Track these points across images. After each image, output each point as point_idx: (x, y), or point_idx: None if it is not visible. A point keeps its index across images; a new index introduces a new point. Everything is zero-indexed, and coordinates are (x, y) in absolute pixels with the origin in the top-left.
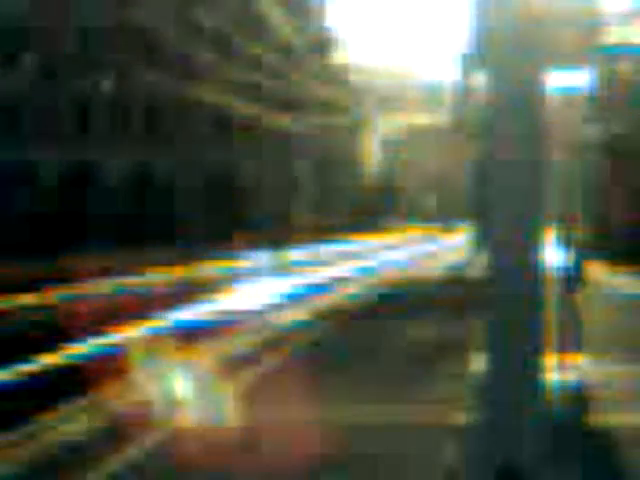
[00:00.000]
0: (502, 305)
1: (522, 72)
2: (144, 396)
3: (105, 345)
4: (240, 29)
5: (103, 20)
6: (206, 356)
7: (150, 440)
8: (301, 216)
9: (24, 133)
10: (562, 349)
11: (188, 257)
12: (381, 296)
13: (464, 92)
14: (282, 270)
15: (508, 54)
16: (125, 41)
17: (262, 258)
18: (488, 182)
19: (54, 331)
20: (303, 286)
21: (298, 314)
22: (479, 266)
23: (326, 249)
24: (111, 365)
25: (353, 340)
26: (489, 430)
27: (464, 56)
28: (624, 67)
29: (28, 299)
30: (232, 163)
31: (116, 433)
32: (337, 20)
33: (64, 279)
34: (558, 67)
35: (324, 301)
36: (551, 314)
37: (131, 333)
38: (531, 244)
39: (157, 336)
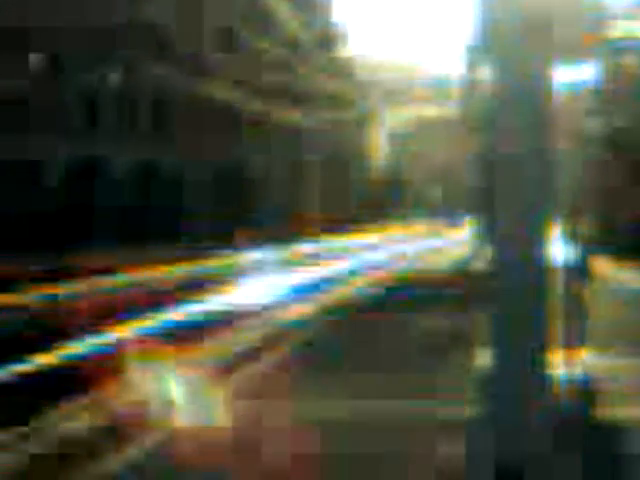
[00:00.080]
0: (507, 299)
1: (527, 65)
2: (140, 396)
3: (103, 344)
4: (247, 24)
5: (112, 16)
6: (206, 354)
7: (147, 440)
8: (309, 210)
9: (31, 127)
10: (567, 343)
11: (194, 252)
12: (387, 290)
13: (469, 85)
14: (288, 265)
15: (513, 47)
16: (134, 36)
17: (267, 253)
18: (492, 175)
19: (52, 329)
20: (309, 281)
21: (303, 309)
22: (484, 260)
23: (332, 243)
24: (108, 364)
25: (355, 335)
26: (494, 424)
27: (469, 48)
28: (629, 61)
29: (27, 296)
30: (240, 158)
31: (113, 433)
32: (343, 14)
33: (69, 276)
34: (563, 60)
35: (330, 296)
36: (556, 308)
37: (130, 331)
38: (536, 238)
39: (156, 334)
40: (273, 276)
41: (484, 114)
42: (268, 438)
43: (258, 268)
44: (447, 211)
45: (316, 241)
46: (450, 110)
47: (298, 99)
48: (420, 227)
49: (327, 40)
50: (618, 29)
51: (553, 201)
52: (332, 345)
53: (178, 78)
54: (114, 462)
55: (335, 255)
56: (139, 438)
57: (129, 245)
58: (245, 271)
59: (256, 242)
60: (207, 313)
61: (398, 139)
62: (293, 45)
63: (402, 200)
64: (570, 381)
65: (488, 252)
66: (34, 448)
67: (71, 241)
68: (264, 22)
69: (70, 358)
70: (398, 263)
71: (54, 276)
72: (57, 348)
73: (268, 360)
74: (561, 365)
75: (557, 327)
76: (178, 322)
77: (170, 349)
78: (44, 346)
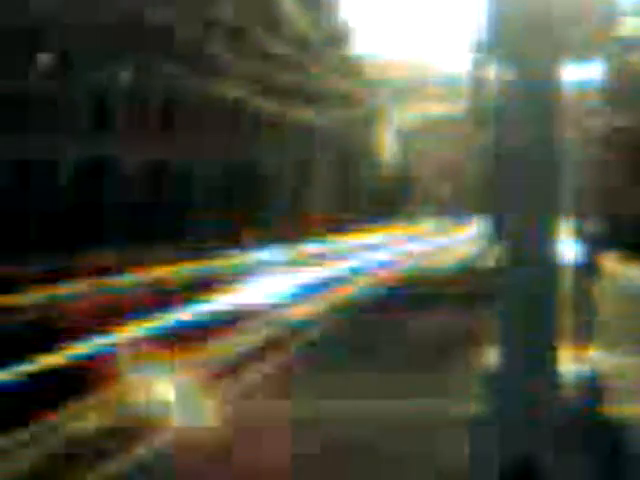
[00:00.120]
0: (515, 297)
1: (535, 63)
2: (140, 397)
3: (108, 344)
4: (258, 23)
5: (123, 15)
6: (210, 354)
7: (150, 441)
8: (318, 209)
9: (42, 126)
10: (576, 341)
11: (202, 252)
12: (394, 289)
13: (476, 83)
14: (295, 265)
15: (521, 45)
16: (145, 35)
17: (274, 253)
18: (500, 173)
19: (57, 330)
20: (316, 280)
21: (309, 309)
22: (491, 258)
23: (339, 243)
24: (112, 365)
25: (361, 335)
26: (501, 422)
27: (477, 46)
28: (636, 59)
29: (34, 297)
30: (249, 157)
31: (117, 433)
32: (353, 12)
33: (76, 275)
34: (572, 58)
35: (336, 295)
36: (565, 306)
37: (136, 332)
38: (545, 236)
39: (162, 334)
40: (279, 276)
41: (491, 112)
42: (270, 438)
43: (264, 268)
44: (455, 209)
45: (324, 240)
46: (460, 108)
47: (307, 98)
48: (428, 225)
49: (336, 39)
50: (627, 26)
51: (562, 199)
52: (336, 345)
53: (188, 77)
54: (118, 463)
55: (342, 254)
56: (141, 438)
57: (138, 244)
58: (251, 271)
59: (263, 242)
60: (213, 313)
61: (407, 137)
62: (303, 44)
63: (411, 197)
64: (578, 379)
65: (496, 250)
66: (38, 449)
67: (80, 240)
68: (274, 21)
69: (75, 358)
70: (406, 261)
71: (61, 276)
72: (62, 348)
73: (272, 360)
74: (569, 363)
75: (565, 325)
76: (184, 322)
77: (175, 349)
78: (49, 346)
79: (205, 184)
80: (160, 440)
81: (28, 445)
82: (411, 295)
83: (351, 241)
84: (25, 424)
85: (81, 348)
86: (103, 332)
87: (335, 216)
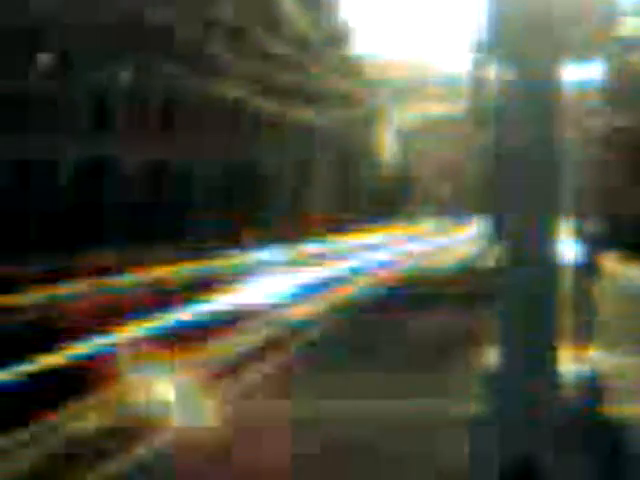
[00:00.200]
0: (516, 297)
1: (536, 63)
2: (139, 397)
3: (107, 344)
4: (257, 22)
5: (123, 15)
6: (210, 354)
7: (150, 441)
8: (318, 209)
9: (42, 126)
10: (576, 341)
11: (202, 252)
12: (394, 289)
13: (477, 82)
14: (296, 264)
15: (522, 44)
16: (145, 35)
17: (275, 252)
18: (500, 173)
19: (56, 330)
20: (316, 280)
21: (308, 309)
22: (491, 258)
23: (339, 243)
24: (112, 365)
25: (360, 335)
26: (500, 422)
27: (476, 46)
28: (636, 59)
29: (34, 297)
30: (250, 157)
31: (117, 433)
32: (352, 12)
33: (76, 275)
34: (572, 58)
35: (336, 295)
36: (565, 306)
37: (136, 332)
38: (545, 236)
39: (162, 334)
40: (279, 276)
41: (491, 112)
42: (269, 438)
43: (264, 268)
44: (455, 209)
45: (323, 240)
46: (459, 108)
47: (307, 98)
48: (428, 225)
49: (336, 39)
50: (627, 26)
51: (562, 199)
52: (336, 345)
53: (189, 77)
54: (118, 463)
55: (342, 254)
56: (141, 438)
57: (138, 244)
58: (251, 271)
59: (263, 241)
60: (213, 313)
61: (407, 137)
62: (303, 44)
63: (411, 198)
64: (578, 379)
65: (496, 250)
66: (39, 449)
67: (80, 240)
68: (274, 21)
69: (75, 358)
70: (406, 262)
71: (61, 275)
72: (62, 348)
73: (272, 360)
74: (569, 363)
75: (565, 325)
76: (184, 322)
77: (175, 349)
78: (49, 347)
79: (205, 184)
80: (160, 440)
81: (28, 445)
82: (411, 295)
83: (351, 241)
84: (25, 424)
85: (81, 348)
86: (103, 332)
87: (335, 216)
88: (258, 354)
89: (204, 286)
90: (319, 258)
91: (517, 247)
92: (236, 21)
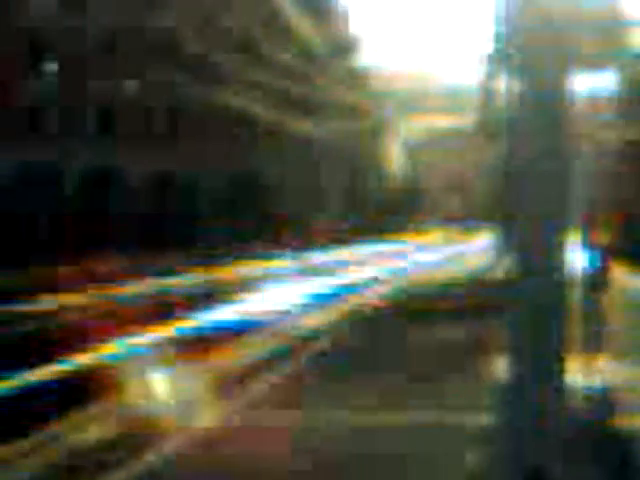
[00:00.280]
0: (525, 307)
1: (547, 73)
2: (143, 400)
3: (112, 353)
4: (263, 33)
5: (129, 22)
6: (217, 364)
7: (157, 448)
8: (325, 219)
9: (48, 133)
10: (585, 351)
11: (211, 259)
12: (403, 300)
13: (487, 94)
14: (305, 274)
15: (532, 55)
16: (151, 44)
17: (282, 262)
18: (510, 183)
19: (58, 338)
20: (325, 290)
21: (320, 318)
22: (502, 268)
23: (348, 253)
24: (113, 374)
25: (370, 346)
26: (512, 433)
27: (487, 57)
28: None
29: (41, 303)
30: (255, 167)
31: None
32: (358, 24)
33: (85, 282)
34: (584, 68)
35: (346, 305)
36: (575, 316)
37: (142, 339)
38: (555, 246)
39: (172, 341)
40: (287, 285)
41: (502, 123)
42: (277, 447)
43: (272, 277)
44: (464, 220)
45: (331, 250)
46: (465, 119)
47: (314, 109)
48: (437, 236)
49: (342, 49)
50: (638, 37)
51: (571, 209)
52: (347, 355)
53: (193, 86)
54: (121, 471)
55: (350, 264)
56: (146, 444)
57: (144, 253)
58: (260, 280)
59: (271, 251)
60: (219, 322)
61: (413, 148)
62: (309, 55)
63: (418, 209)
64: (587, 389)
65: (507, 260)
66: (44, 459)
67: (85, 249)
68: (280, 31)
69: (78, 367)
70: (416, 271)
71: (66, 284)
72: (65, 356)
73: (282, 369)
74: (578, 373)
75: (575, 335)
76: (192, 330)
77: (182, 357)
78: (52, 354)
79: (211, 194)
80: (165, 446)
81: (28, 455)
82: (419, 305)
83: (359, 251)
84: (25, 434)
85: (85, 356)
86: (108, 340)
87: (342, 226)
88: (267, 363)
89: (212, 295)
90: (327, 268)
91: (527, 257)
92: (242, 31)
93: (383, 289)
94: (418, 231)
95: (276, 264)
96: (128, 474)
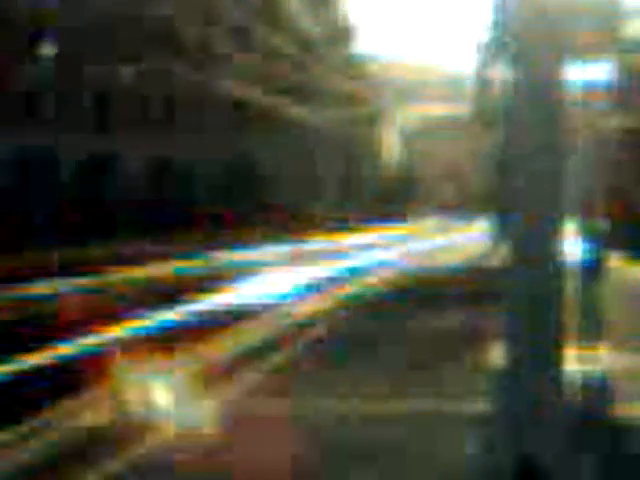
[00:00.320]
0: (522, 296)
1: (543, 62)
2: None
3: (102, 343)
4: (259, 19)
5: (126, 11)
6: (209, 353)
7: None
8: (322, 207)
9: (45, 119)
10: (583, 340)
11: (206, 248)
12: (397, 288)
13: (483, 82)
14: (298, 262)
15: (529, 45)
16: (148, 32)
17: (277, 250)
18: (506, 172)
19: (51, 327)
20: (319, 278)
21: (314, 306)
22: (497, 257)
23: (344, 241)
24: (106, 364)
25: (365, 334)
26: (508, 422)
27: (483, 46)
28: None
29: (38, 289)
30: (252, 154)
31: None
32: (357, 13)
33: (84, 268)
34: (580, 58)
35: (341, 293)
36: (572, 305)
37: (125, 331)
38: (551, 235)
39: (155, 333)
40: (281, 273)
41: (498, 112)
42: (272, 437)
43: (266, 265)
44: (459, 209)
45: (327, 238)
46: (462, 108)
47: (310, 96)
48: (431, 224)
49: (340, 38)
50: (634, 27)
51: (567, 198)
52: (342, 342)
53: (190, 73)
54: (113, 465)
55: (345, 253)
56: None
57: (138, 241)
58: (253, 268)
59: (265, 239)
60: (213, 311)
61: (409, 137)
62: (306, 43)
63: (414, 197)
64: (584, 378)
65: (502, 249)
66: (34, 448)
67: (81, 237)
68: (277, 19)
69: (70, 357)
70: (411, 260)
71: (60, 271)
72: (57, 345)
73: (276, 358)
74: (576, 362)
75: (572, 324)
76: (184, 320)
77: (174, 348)
78: (45, 343)
79: (207, 181)
80: (157, 441)
81: (19, 445)
82: (416, 294)
83: (353, 240)
84: (18, 422)
85: (77, 346)
86: (100, 329)
87: (337, 215)
88: (260, 352)
89: (204, 283)
90: (322, 256)
91: (523, 246)
92: (239, 19)
93: (382, 275)
94: (412, 221)
95: (269, 251)
96: (123, 462)
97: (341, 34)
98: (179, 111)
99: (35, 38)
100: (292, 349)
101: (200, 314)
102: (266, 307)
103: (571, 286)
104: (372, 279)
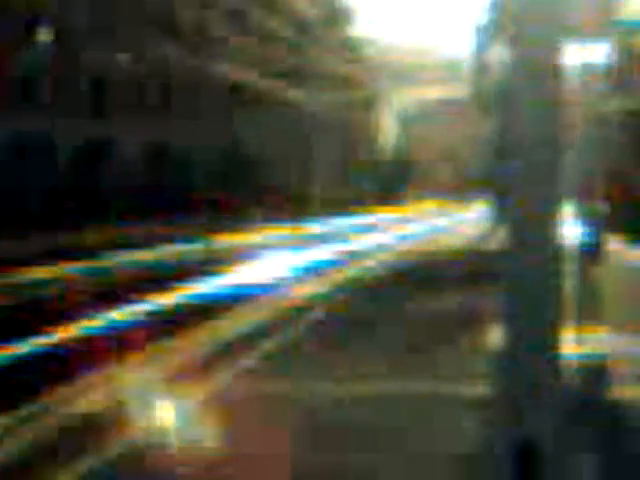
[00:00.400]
0: (520, 278)
1: (542, 44)
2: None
3: (101, 327)
4: (255, 2)
5: None
6: (210, 335)
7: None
8: (319, 191)
9: (42, 104)
10: (582, 322)
11: (206, 229)
12: (399, 268)
13: (481, 65)
14: (298, 244)
15: (527, 26)
16: (143, 16)
17: (276, 233)
18: (504, 155)
19: (51, 310)
20: (320, 259)
21: (316, 286)
22: (497, 239)
23: (343, 222)
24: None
25: (363, 317)
26: (507, 404)
27: (480, 29)
28: None
29: (41, 272)
30: (248, 138)
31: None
32: None
33: (84, 252)
34: (577, 39)
35: (340, 275)
36: (570, 287)
37: (128, 314)
38: (550, 216)
39: (156, 317)
40: (281, 256)
41: (495, 95)
42: (269, 419)
43: (266, 248)
44: (456, 191)
45: (323, 221)
46: (460, 91)
47: (307, 79)
48: (429, 207)
49: (336, 20)
50: (632, 8)
51: (568, 180)
52: (342, 324)
53: (186, 57)
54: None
55: (343, 235)
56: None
57: (135, 225)
58: (254, 250)
59: (264, 222)
60: (215, 293)
61: (406, 120)
62: (302, 25)
63: (411, 180)
64: (584, 360)
65: (501, 231)
66: (38, 430)
67: (78, 221)
68: (273, 1)
69: (71, 339)
70: (408, 243)
71: (60, 256)
72: (57, 329)
73: (276, 340)
74: (575, 344)
75: (571, 305)
76: (184, 301)
77: (175, 328)
78: (45, 325)
79: (204, 166)
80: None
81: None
82: (416, 275)
83: (351, 222)
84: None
85: (77, 328)
86: (98, 314)
87: (335, 197)
88: (261, 333)
89: (205, 266)
90: (321, 238)
91: (521, 228)
92: (235, 2)
93: (382, 257)
94: (410, 204)
95: (269, 236)
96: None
97: (338, 17)
98: (175, 96)
99: (32, 23)
100: (291, 331)
101: (200, 297)
102: (265, 290)
103: (570, 268)
104: (370, 262)
